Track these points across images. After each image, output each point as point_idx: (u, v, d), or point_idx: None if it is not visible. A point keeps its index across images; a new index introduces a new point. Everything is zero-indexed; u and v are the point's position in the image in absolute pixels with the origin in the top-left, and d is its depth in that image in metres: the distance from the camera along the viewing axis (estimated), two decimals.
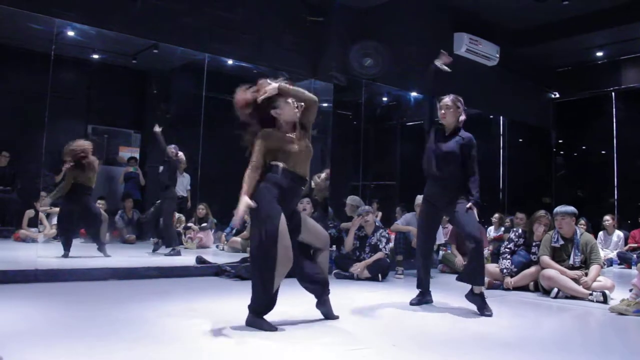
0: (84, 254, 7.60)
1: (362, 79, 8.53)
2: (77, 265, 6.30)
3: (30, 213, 9.40)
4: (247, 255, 7.91)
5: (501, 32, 9.95)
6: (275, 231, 3.76)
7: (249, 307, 3.88)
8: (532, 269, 6.24)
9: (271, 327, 3.77)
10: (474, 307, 4.73)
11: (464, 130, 5.00)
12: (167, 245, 8.50)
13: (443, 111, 5.00)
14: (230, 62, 8.12)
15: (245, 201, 3.86)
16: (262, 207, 3.85)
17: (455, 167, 4.89)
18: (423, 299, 5.10)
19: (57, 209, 9.87)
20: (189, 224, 10.20)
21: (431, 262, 6.06)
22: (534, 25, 9.98)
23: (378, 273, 6.86)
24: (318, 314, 4.26)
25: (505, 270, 6.32)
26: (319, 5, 8.13)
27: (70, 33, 7.31)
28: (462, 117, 5.01)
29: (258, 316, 3.84)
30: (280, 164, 4.00)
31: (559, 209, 6.13)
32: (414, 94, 10.19)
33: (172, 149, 8.82)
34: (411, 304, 5.04)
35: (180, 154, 8.90)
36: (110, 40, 7.96)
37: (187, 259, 7.52)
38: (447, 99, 5.02)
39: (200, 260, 7.09)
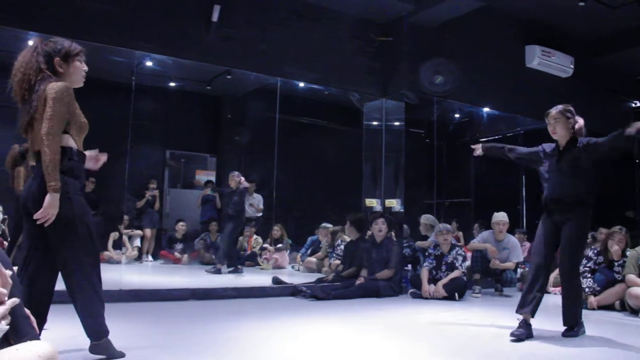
0: (164, 275, 7.83)
1: (434, 97, 8.49)
2: (158, 286, 6.50)
3: (114, 235, 9.79)
4: (322, 275, 7.98)
5: (575, 42, 9.70)
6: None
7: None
8: (617, 287, 6.00)
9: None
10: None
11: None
12: (228, 265, 8.77)
13: (552, 126, 4.55)
14: (301, 84, 8.25)
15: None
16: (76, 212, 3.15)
17: (576, 184, 4.44)
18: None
19: (139, 232, 10.29)
20: (265, 245, 10.36)
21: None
22: (608, 32, 9.68)
23: (455, 292, 6.76)
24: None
25: (587, 290, 6.08)
26: (387, 25, 8.18)
27: (149, 63, 7.63)
28: (580, 124, 4.56)
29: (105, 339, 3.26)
30: (73, 144, 3.21)
31: None
32: (486, 109, 10.05)
33: (235, 177, 9.04)
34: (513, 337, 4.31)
35: (243, 179, 9.13)
36: (186, 68, 8.29)
37: (264, 279, 7.63)
38: (554, 111, 4.55)
39: (276, 280, 7.18)
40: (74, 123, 3.17)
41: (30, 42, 3.26)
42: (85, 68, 3.33)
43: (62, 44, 3.21)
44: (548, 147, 4.70)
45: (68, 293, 3.17)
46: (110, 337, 3.23)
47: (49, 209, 2.95)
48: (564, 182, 4.46)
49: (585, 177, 4.44)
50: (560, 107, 4.54)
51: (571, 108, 4.57)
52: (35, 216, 2.95)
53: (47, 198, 2.94)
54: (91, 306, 3.17)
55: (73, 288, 3.16)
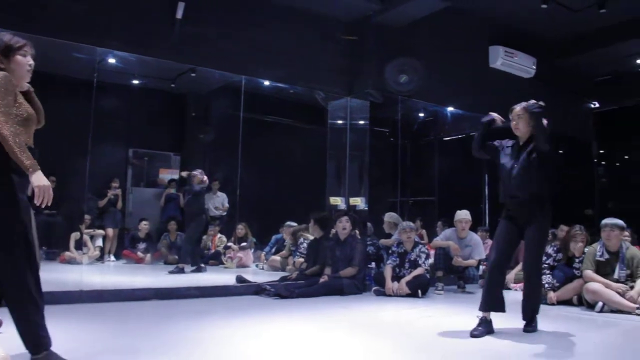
0: (126, 275, 7.73)
1: (398, 96, 8.54)
2: (121, 286, 6.41)
3: (75, 236, 9.61)
4: (286, 273, 7.97)
5: (537, 43, 9.85)
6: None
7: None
8: (575, 282, 6.14)
9: None
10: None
11: None
12: (192, 264, 8.78)
13: (515, 122, 4.61)
14: (266, 83, 8.22)
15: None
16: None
17: (534, 179, 4.45)
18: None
19: (101, 231, 10.13)
20: (229, 244, 10.31)
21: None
22: (570, 35, 9.86)
23: (418, 289, 6.81)
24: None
25: (547, 285, 6.19)
26: (353, 24, 8.19)
27: (112, 60, 7.51)
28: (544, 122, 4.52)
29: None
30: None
31: (607, 220, 6.00)
32: (450, 108, 10.15)
33: (198, 175, 8.99)
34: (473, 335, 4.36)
35: (205, 178, 9.09)
36: (150, 65, 8.17)
37: (227, 278, 7.59)
38: (518, 108, 4.60)
39: (240, 279, 7.15)
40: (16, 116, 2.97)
41: None
42: (30, 62, 3.14)
43: (1, 39, 3.05)
44: (507, 142, 4.76)
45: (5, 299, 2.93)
46: (71, 339, 3.13)
47: (40, 186, 2.83)
48: (523, 177, 4.49)
49: (542, 175, 4.45)
50: (524, 103, 4.58)
51: (540, 104, 4.57)
52: (36, 201, 2.83)
53: (32, 179, 2.83)
54: (26, 314, 2.88)
55: (7, 293, 2.90)
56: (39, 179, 2.84)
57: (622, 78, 11.46)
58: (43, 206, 2.87)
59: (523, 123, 4.56)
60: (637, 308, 5.46)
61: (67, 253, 9.45)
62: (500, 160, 4.72)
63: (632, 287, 5.67)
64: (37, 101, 3.22)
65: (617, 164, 12.81)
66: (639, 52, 10.36)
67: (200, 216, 9.10)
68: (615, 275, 5.82)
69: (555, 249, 6.48)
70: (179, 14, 6.62)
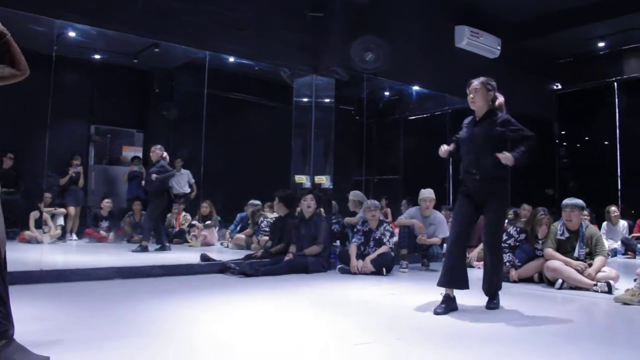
0: (89, 254, 7.62)
1: (364, 74, 8.52)
2: (83, 265, 6.31)
3: (35, 214, 9.42)
4: (251, 252, 7.95)
5: (502, 24, 9.93)
6: None
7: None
8: (537, 261, 6.25)
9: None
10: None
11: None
12: (156, 242, 8.77)
13: (472, 95, 4.57)
14: (231, 59, 8.12)
15: None
16: None
17: (491, 156, 4.37)
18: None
19: (62, 210, 9.95)
20: (193, 222, 10.23)
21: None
22: (535, 16, 9.97)
23: (382, 267, 6.86)
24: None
25: (508, 263, 6.29)
26: (319, 0, 8.11)
27: (72, 34, 7.33)
28: (500, 100, 4.58)
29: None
30: None
31: (568, 201, 6.10)
32: (416, 87, 10.19)
33: (158, 150, 8.85)
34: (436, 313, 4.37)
35: (165, 154, 8.96)
36: (111, 40, 7.99)
37: (191, 256, 7.53)
38: (476, 82, 4.58)
39: (204, 257, 7.10)
40: None
41: None
42: None
43: None
44: (467, 120, 4.77)
45: None
46: (31, 320, 3.00)
47: None
48: (479, 152, 4.50)
49: (499, 150, 4.37)
50: (482, 78, 4.60)
51: (493, 82, 4.63)
52: None
53: None
54: None
55: None
56: None
57: (583, 60, 11.66)
58: None
59: (479, 97, 4.56)
60: (595, 285, 5.59)
61: (26, 232, 9.27)
62: (460, 136, 4.73)
63: (590, 265, 5.80)
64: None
65: (578, 145, 13.06)
66: (601, 35, 10.57)
67: (162, 194, 8.98)
68: (575, 254, 5.94)
69: (517, 230, 6.57)
70: None
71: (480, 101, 4.56)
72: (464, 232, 4.67)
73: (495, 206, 4.57)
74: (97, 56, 10.16)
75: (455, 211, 4.76)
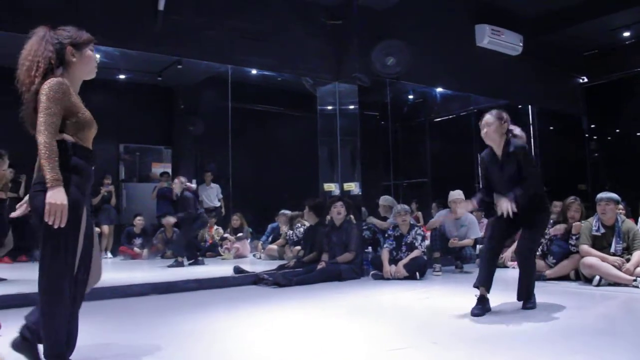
0: (124, 271, 7.70)
1: (386, 79, 8.50)
2: (119, 282, 6.38)
3: None
4: (284, 262, 7.96)
5: (523, 20, 9.83)
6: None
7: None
8: (572, 258, 6.16)
9: None
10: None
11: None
12: (188, 258, 8.78)
13: (485, 130, 4.52)
14: (253, 71, 8.18)
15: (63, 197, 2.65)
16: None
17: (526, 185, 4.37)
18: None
19: (96, 229, 10.03)
20: (225, 235, 10.29)
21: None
22: (555, 9, 9.83)
23: (416, 271, 6.82)
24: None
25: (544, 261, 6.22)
26: (337, 8, 8.13)
27: (96, 55, 7.42)
28: (516, 132, 4.62)
29: None
30: (70, 138, 2.88)
31: (602, 195, 6.00)
32: (439, 89, 10.13)
33: (178, 183, 8.89)
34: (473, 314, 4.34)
35: (189, 184, 9.06)
36: (135, 59, 8.12)
37: (225, 269, 7.58)
38: (488, 116, 4.54)
39: (238, 270, 7.14)
40: (71, 119, 2.85)
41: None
42: (97, 58, 3.07)
43: (72, 31, 2.96)
44: (485, 154, 4.71)
45: None
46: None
47: (52, 203, 2.58)
48: (513, 185, 4.41)
49: (530, 175, 4.40)
50: (494, 111, 4.56)
51: (505, 114, 4.57)
52: (46, 219, 2.59)
53: (47, 194, 2.58)
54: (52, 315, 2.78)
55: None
56: (53, 196, 2.59)
57: (609, 51, 11.46)
58: (55, 227, 2.61)
59: (492, 130, 4.49)
60: (634, 280, 5.49)
61: None
62: (488, 176, 4.71)
63: (628, 260, 5.69)
64: None
65: (609, 138, 12.84)
66: (625, 24, 10.36)
67: (190, 218, 8.99)
68: (612, 249, 5.84)
69: (551, 222, 6.45)
70: (161, 5, 6.54)
71: (494, 134, 4.50)
72: (498, 246, 4.70)
73: (534, 225, 4.57)
74: (122, 76, 10.33)
75: (491, 224, 4.78)
